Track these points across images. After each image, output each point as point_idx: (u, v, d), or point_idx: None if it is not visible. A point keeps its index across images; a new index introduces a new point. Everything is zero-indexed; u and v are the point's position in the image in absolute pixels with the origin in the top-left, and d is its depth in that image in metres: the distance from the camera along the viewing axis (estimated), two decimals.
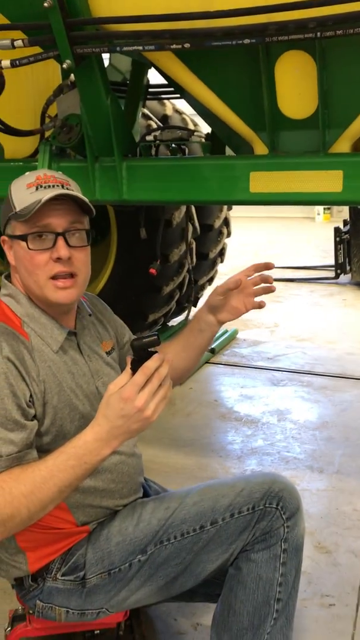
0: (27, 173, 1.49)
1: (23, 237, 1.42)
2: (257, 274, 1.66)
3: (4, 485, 1.25)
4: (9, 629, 1.76)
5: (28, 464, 1.30)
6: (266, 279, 1.67)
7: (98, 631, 1.79)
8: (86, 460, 1.26)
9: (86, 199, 1.46)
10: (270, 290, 1.68)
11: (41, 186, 1.43)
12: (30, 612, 1.59)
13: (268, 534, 1.46)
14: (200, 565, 1.50)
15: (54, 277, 1.42)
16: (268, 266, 1.68)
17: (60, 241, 1.41)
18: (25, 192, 1.43)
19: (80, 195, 1.45)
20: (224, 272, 7.08)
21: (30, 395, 1.37)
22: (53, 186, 1.44)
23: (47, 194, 1.39)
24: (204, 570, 1.50)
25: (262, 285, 1.67)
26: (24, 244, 1.42)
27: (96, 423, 1.27)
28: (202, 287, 5.03)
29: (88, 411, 1.48)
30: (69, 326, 1.53)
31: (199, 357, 1.75)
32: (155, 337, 1.24)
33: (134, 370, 1.23)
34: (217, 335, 4.90)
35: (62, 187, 1.45)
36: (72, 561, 1.51)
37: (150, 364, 1.22)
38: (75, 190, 1.48)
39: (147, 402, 1.22)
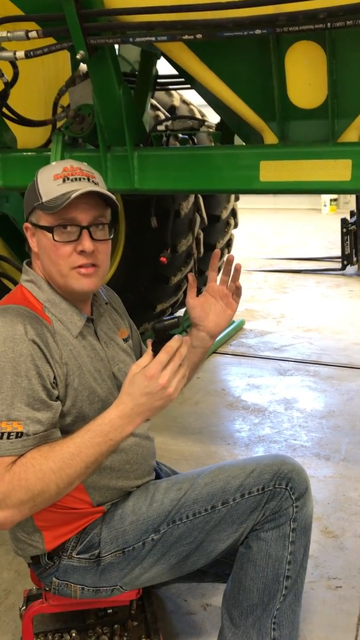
0: (53, 163, 1.52)
1: (49, 229, 1.45)
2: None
3: (34, 462, 1.29)
4: (24, 607, 1.81)
5: (56, 442, 1.35)
6: (233, 277, 1.70)
7: (111, 610, 1.84)
8: (111, 437, 1.32)
9: (112, 195, 1.48)
10: (238, 291, 1.71)
11: (68, 178, 1.45)
12: (47, 589, 1.63)
13: (277, 514, 1.49)
14: (212, 544, 1.54)
15: (76, 267, 1.46)
16: (216, 255, 1.71)
17: (85, 234, 1.45)
18: (52, 184, 1.45)
19: (107, 192, 1.48)
20: None
21: (54, 377, 1.41)
22: (80, 179, 1.46)
23: (73, 187, 1.42)
24: (215, 549, 1.55)
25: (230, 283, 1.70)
26: (49, 234, 1.45)
27: (120, 401, 1.33)
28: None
29: (105, 395, 1.52)
30: (86, 313, 1.57)
31: (193, 372, 1.76)
32: (176, 320, 1.32)
33: (155, 352, 1.29)
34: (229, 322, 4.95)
35: (88, 180, 1.48)
36: (88, 540, 1.55)
37: (172, 344, 1.29)
38: (100, 183, 1.52)
39: (170, 380, 1.29)
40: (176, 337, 1.31)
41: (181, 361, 1.31)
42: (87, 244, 1.44)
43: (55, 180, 1.46)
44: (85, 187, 1.44)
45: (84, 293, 1.51)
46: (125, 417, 1.32)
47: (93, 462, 1.33)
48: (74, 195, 1.40)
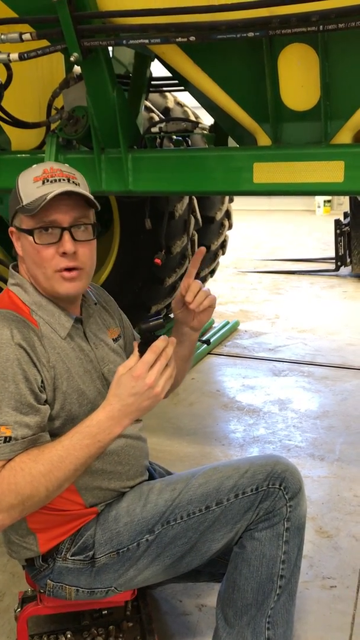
0: (34, 166, 1.51)
1: (29, 232, 1.45)
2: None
3: (23, 466, 1.30)
4: (19, 609, 1.81)
5: (44, 445, 1.35)
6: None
7: (106, 611, 1.84)
8: (100, 438, 1.32)
9: (90, 195, 1.48)
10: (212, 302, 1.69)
11: (48, 180, 1.45)
12: (41, 591, 1.63)
13: (271, 514, 1.50)
14: (206, 544, 1.54)
15: (60, 270, 1.46)
16: (201, 251, 1.69)
17: (66, 236, 1.45)
18: (32, 186, 1.45)
19: (83, 191, 1.47)
20: (225, 264, 7.16)
21: (42, 381, 1.41)
22: (60, 180, 1.46)
23: (53, 189, 1.42)
24: (210, 550, 1.55)
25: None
26: (30, 238, 1.45)
27: (107, 403, 1.33)
28: (204, 280, 5.07)
29: (94, 396, 1.52)
30: (75, 314, 1.57)
31: (185, 366, 1.77)
32: (161, 320, 1.31)
33: (142, 353, 1.30)
34: (219, 327, 4.98)
35: (69, 181, 1.47)
36: (82, 541, 1.55)
37: (158, 344, 1.30)
38: (81, 183, 1.51)
39: (157, 380, 1.29)
40: (162, 337, 1.32)
41: (167, 361, 1.31)
42: (67, 245, 1.44)
43: (35, 182, 1.45)
44: (64, 187, 1.43)
45: (69, 296, 1.51)
46: (114, 418, 1.32)
47: (82, 464, 1.33)
48: (50, 195, 1.39)
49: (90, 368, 1.55)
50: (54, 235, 1.45)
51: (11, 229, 1.52)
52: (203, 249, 1.71)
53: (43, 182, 1.45)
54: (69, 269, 1.46)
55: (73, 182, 1.49)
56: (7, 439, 1.31)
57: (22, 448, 1.33)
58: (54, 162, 1.53)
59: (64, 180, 1.47)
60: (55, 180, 1.46)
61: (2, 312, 1.43)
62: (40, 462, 1.30)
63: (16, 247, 1.53)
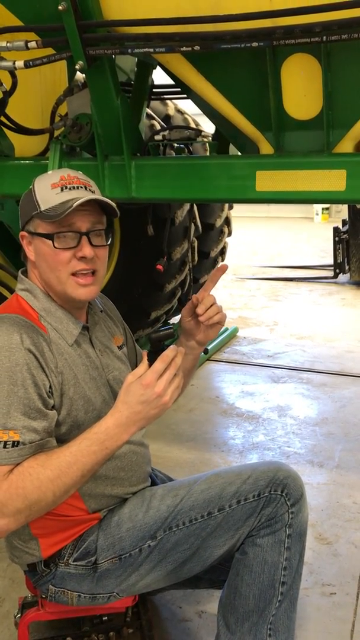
0: (50, 172, 1.53)
1: (49, 236, 1.46)
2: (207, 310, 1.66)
3: (31, 470, 1.30)
4: (19, 615, 1.81)
5: (52, 451, 1.36)
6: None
7: (106, 617, 1.84)
8: (107, 445, 1.33)
9: (112, 203, 1.51)
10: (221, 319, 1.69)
11: (66, 187, 1.48)
12: (43, 596, 1.63)
13: (273, 520, 1.51)
14: (208, 550, 1.54)
15: (75, 274, 1.48)
16: (223, 269, 1.70)
17: (85, 241, 1.47)
18: (50, 192, 1.47)
19: (107, 200, 1.50)
20: None
21: (50, 386, 1.42)
22: (77, 187, 1.49)
23: (72, 195, 1.45)
24: (212, 556, 1.55)
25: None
26: (49, 242, 1.46)
27: (116, 410, 1.34)
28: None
29: (100, 403, 1.53)
30: (82, 321, 1.58)
31: (186, 379, 1.77)
32: (171, 330, 1.34)
33: (151, 362, 1.32)
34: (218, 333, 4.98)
35: (85, 188, 1.50)
36: (84, 547, 1.55)
37: (168, 353, 1.31)
38: (95, 191, 1.54)
39: (165, 389, 1.31)
40: (172, 347, 1.34)
41: (176, 371, 1.33)
42: (87, 249, 1.47)
43: (53, 189, 1.48)
44: (82, 195, 1.46)
45: (82, 301, 1.53)
46: (121, 426, 1.33)
47: (89, 470, 1.34)
48: (76, 203, 1.42)
49: (96, 375, 1.56)
50: (72, 239, 1.47)
51: (23, 233, 1.53)
52: (225, 265, 1.72)
53: (62, 189, 1.47)
54: (83, 275, 1.49)
55: (89, 189, 1.52)
56: (15, 443, 1.31)
57: (29, 453, 1.33)
58: (69, 169, 1.55)
59: (81, 187, 1.50)
60: (74, 188, 1.49)
61: (12, 317, 1.43)
62: (49, 467, 1.31)
63: (27, 252, 1.54)
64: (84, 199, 1.43)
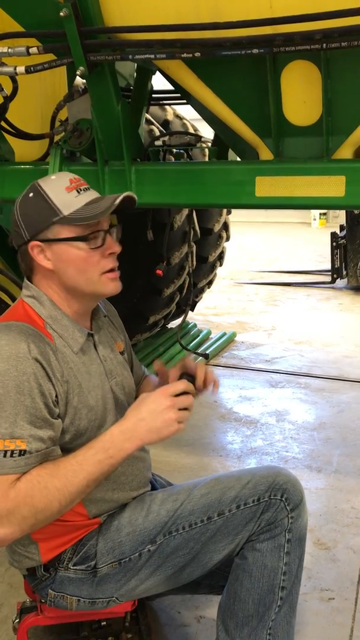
0: (52, 177, 1.52)
1: (83, 238, 1.45)
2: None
3: (40, 479, 1.31)
4: (18, 620, 1.81)
5: (60, 460, 1.37)
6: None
7: (105, 622, 1.84)
8: (112, 454, 1.35)
9: (134, 196, 1.54)
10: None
11: (80, 189, 1.49)
12: (42, 601, 1.63)
13: (273, 525, 1.51)
14: (208, 555, 1.55)
15: (105, 272, 1.50)
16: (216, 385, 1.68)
17: (110, 238, 1.50)
18: (68, 196, 1.46)
19: (135, 196, 1.54)
20: (222, 275, 7.18)
21: (56, 395, 1.42)
22: (87, 189, 1.51)
23: (90, 197, 1.48)
24: (211, 560, 1.56)
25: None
26: (82, 244, 1.45)
27: (124, 419, 1.39)
28: (202, 290, 5.09)
29: (102, 411, 1.53)
30: (86, 327, 1.58)
31: None
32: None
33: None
34: (215, 338, 4.99)
35: (89, 188, 1.53)
36: (84, 551, 1.55)
37: (188, 386, 1.43)
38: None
39: (176, 405, 1.37)
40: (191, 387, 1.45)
41: (190, 404, 1.41)
42: (115, 246, 1.51)
43: (69, 192, 1.47)
44: (94, 195, 1.50)
45: (112, 294, 1.54)
46: (126, 432, 1.35)
47: (94, 480, 1.36)
48: (117, 200, 1.45)
49: (99, 382, 1.56)
50: (99, 239, 1.48)
51: (34, 243, 1.46)
52: (218, 383, 1.67)
53: (78, 192, 1.48)
54: (112, 270, 1.51)
55: (92, 189, 1.55)
56: (22, 452, 1.32)
57: (36, 462, 1.34)
58: (66, 172, 1.56)
59: (88, 188, 1.52)
60: (86, 189, 1.51)
61: (19, 325, 1.42)
62: (57, 476, 1.32)
63: (39, 261, 1.48)
64: (120, 199, 1.45)
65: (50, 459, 1.37)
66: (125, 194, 1.48)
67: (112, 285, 1.51)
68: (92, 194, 1.50)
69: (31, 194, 1.48)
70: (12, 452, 1.31)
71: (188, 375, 1.56)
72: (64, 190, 1.47)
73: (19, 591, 2.10)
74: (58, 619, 1.70)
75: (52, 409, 1.40)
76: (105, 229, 1.49)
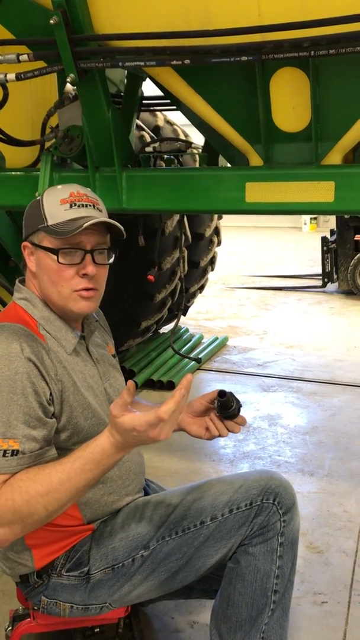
0: (59, 187, 1.54)
1: (54, 251, 1.47)
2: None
3: (20, 484, 1.30)
4: (10, 628, 1.80)
5: (45, 465, 1.35)
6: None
7: (98, 628, 1.83)
8: (103, 463, 1.33)
9: (120, 226, 1.52)
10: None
11: (75, 204, 1.49)
12: (35, 608, 1.62)
13: (265, 528, 1.51)
14: (201, 559, 1.55)
15: (78, 290, 1.49)
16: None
17: (89, 259, 1.49)
18: (58, 208, 1.48)
19: (116, 222, 1.52)
20: (214, 280, 7.20)
21: (50, 394, 1.42)
22: (86, 205, 1.50)
23: (80, 214, 1.47)
24: (204, 565, 1.56)
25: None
26: (53, 256, 1.47)
27: (112, 433, 1.32)
28: (193, 295, 5.10)
29: (98, 410, 1.54)
30: (78, 330, 1.60)
31: None
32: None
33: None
34: (207, 342, 5.00)
35: (94, 207, 1.52)
36: (77, 557, 1.55)
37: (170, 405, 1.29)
38: (103, 210, 1.56)
39: (162, 433, 1.30)
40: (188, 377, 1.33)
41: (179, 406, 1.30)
42: (90, 267, 1.48)
43: (62, 204, 1.48)
44: (90, 213, 1.48)
45: (81, 314, 1.54)
46: (118, 446, 1.31)
47: (85, 485, 1.34)
48: (87, 223, 1.43)
49: (93, 383, 1.57)
50: (76, 256, 1.48)
51: (26, 243, 1.54)
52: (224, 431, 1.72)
53: (70, 206, 1.48)
54: (85, 289, 1.49)
55: (97, 208, 1.53)
56: (14, 452, 1.32)
57: (29, 462, 1.34)
58: (79, 186, 1.55)
59: (89, 205, 1.51)
60: (82, 205, 1.50)
61: (12, 326, 1.44)
62: (39, 481, 1.30)
63: (28, 262, 1.55)
64: (94, 221, 1.44)
65: (43, 461, 1.37)
66: (98, 219, 1.46)
67: (82, 304, 1.50)
68: (87, 212, 1.49)
69: (39, 197, 1.54)
70: (5, 452, 1.31)
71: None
72: (57, 201, 1.50)
73: (12, 598, 2.09)
74: (51, 626, 1.69)
75: (47, 407, 1.40)
76: (86, 249, 1.49)
